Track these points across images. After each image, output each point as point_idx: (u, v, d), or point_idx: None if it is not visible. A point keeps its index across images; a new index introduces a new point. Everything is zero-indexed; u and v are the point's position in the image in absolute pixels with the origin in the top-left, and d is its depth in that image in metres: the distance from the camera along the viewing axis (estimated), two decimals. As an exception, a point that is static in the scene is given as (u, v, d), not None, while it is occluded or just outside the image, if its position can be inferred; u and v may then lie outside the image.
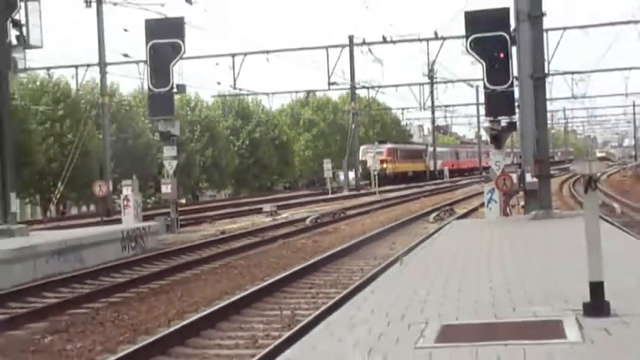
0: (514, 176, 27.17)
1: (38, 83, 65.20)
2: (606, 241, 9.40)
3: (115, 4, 48.98)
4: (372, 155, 74.74)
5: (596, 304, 8.95)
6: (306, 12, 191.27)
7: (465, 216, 36.74)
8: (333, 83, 67.67)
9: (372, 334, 9.05)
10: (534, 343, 7.94)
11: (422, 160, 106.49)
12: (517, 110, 27.25)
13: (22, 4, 30.46)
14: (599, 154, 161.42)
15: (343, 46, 67.61)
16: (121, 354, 12.71)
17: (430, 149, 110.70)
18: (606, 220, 21.80)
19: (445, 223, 31.17)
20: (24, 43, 31.09)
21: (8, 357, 13.72)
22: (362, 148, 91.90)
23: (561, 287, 10.99)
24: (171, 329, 14.49)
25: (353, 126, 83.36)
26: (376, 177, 69.87)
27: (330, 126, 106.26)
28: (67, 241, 26.47)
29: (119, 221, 36.90)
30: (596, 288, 8.94)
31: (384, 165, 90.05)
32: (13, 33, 29.80)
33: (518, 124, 27.77)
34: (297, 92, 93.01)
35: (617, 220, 29.68)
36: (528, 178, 25.99)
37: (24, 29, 30.48)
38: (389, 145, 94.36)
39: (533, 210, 25.82)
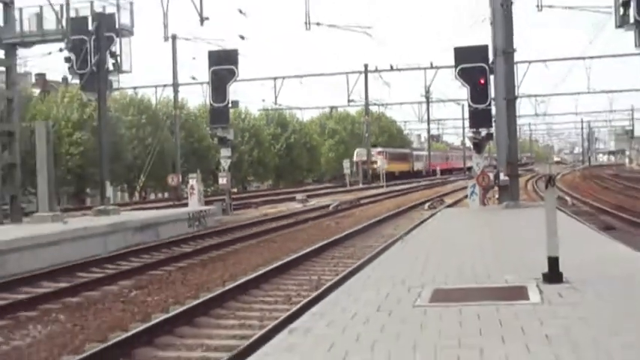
0: (491, 175, 27.20)
1: (127, 99, 65.40)
2: (561, 226, 9.40)
3: (186, 39, 49.00)
4: (381, 157, 74.96)
5: (553, 274, 9.08)
6: (331, 45, 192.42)
7: (452, 205, 36.57)
8: (352, 101, 67.93)
9: (380, 295, 9.06)
10: (505, 304, 8.05)
11: (407, 161, 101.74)
12: (493, 124, 27.22)
13: (118, 39, 30.56)
14: (555, 159, 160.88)
15: (360, 73, 67.55)
16: (187, 306, 12.76)
17: (414, 153, 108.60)
18: (561, 210, 21.67)
19: (437, 211, 31.08)
20: (118, 69, 31.17)
21: (104, 306, 13.79)
22: (356, 151, 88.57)
23: (526, 261, 10.97)
24: (226, 288, 14.51)
25: (366, 134, 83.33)
26: (384, 174, 69.89)
27: (348, 134, 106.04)
28: (148, 220, 26.59)
29: (186, 205, 36.93)
30: (553, 262, 9.09)
31: (375, 165, 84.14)
32: (110, 61, 29.93)
33: (494, 134, 27.72)
34: (323, 107, 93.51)
35: (569, 209, 29.61)
36: (502, 176, 26.02)
37: (118, 59, 30.58)
38: (379, 149, 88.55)
39: (505, 201, 25.82)
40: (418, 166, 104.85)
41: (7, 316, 13.11)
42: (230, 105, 37.07)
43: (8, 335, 11.66)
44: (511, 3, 25.73)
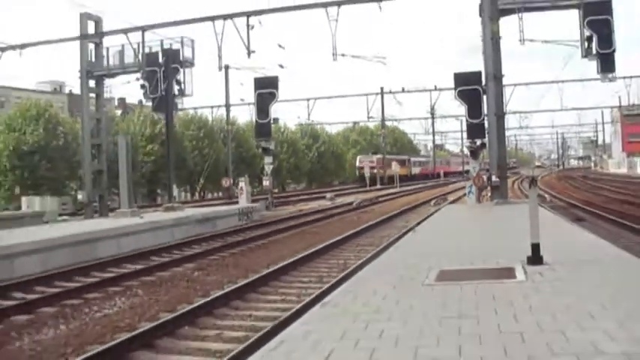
0: (484, 177, 27.17)
1: (189, 117, 65.69)
2: (541, 218, 9.40)
3: (236, 68, 49.17)
4: (396, 163, 74.49)
5: (535, 257, 9.14)
6: (353, 72, 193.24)
7: (454, 202, 36.41)
8: (371, 117, 67.69)
9: (395, 275, 9.08)
10: (497, 282, 8.09)
11: (406, 166, 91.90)
12: (487, 135, 27.13)
13: (182, 70, 30.76)
14: (537, 164, 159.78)
15: (377, 94, 67.25)
16: (238, 284, 12.84)
17: (412, 159, 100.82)
18: (541, 205, 21.49)
19: (441, 207, 31.01)
20: (182, 93, 31.35)
21: (173, 284, 13.90)
22: (358, 157, 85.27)
23: (513, 246, 10.93)
24: (269, 270, 14.56)
25: (383, 144, 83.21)
26: (397, 177, 69.76)
27: (368, 144, 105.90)
28: (207, 214, 26.70)
29: (237, 202, 37.01)
30: (535, 247, 9.15)
31: (375, 170, 79.31)
32: (175, 87, 30.14)
33: (487, 143, 27.62)
34: (347, 122, 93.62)
35: (547, 204, 29.45)
36: (493, 178, 25.97)
37: (182, 85, 30.77)
38: (378, 156, 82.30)
39: (497, 198, 25.71)
40: (415, 170, 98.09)
41: (98, 291, 13.29)
42: (272, 121, 37.11)
43: (100, 305, 11.82)
44: (499, 37, 25.76)
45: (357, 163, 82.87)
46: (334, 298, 7.90)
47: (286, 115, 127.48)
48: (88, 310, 11.43)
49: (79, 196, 31.73)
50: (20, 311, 11.51)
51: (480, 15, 26.39)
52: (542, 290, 7.40)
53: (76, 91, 43.73)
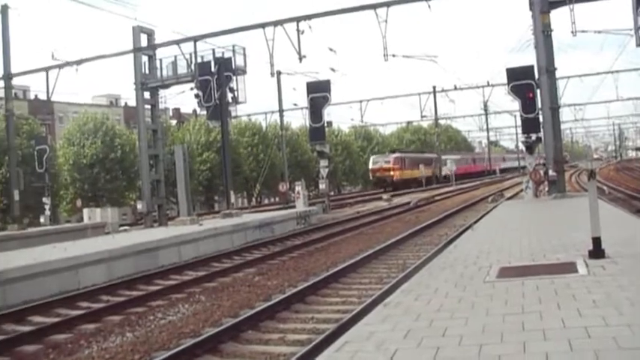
0: (541, 171, 26.93)
1: (243, 124, 66.32)
2: (601, 211, 9.28)
3: (288, 74, 49.47)
4: (451, 160, 73.70)
5: (596, 251, 9.03)
6: (405, 72, 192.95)
7: (511, 198, 36.00)
8: (424, 116, 67.43)
9: (456, 273, 9.07)
10: (558, 277, 8.00)
11: (431, 166, 77.81)
12: (541, 129, 26.83)
13: (235, 77, 31.07)
14: (595, 157, 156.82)
15: (429, 93, 67.12)
16: (299, 287, 12.94)
17: (443, 157, 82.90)
18: (600, 198, 21.10)
19: (499, 203, 30.74)
20: (235, 101, 31.66)
21: (234, 289, 14.05)
22: (372, 157, 72.34)
23: (574, 241, 10.80)
24: (329, 272, 14.62)
25: (437, 143, 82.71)
26: (454, 175, 69.15)
27: (422, 143, 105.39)
28: (264, 220, 26.91)
29: (294, 207, 37.20)
30: (596, 241, 9.04)
31: (391, 172, 66.58)
32: (229, 95, 30.45)
33: (542, 138, 27.30)
34: (400, 123, 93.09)
35: (606, 197, 28.92)
36: (550, 172, 25.73)
37: (235, 93, 31.09)
38: (396, 155, 70.68)
39: (554, 193, 25.47)
40: (445, 171, 79.43)
41: (161, 298, 13.54)
42: (325, 125, 37.30)
43: (164, 312, 12.05)
44: (551, 30, 25.47)
45: (371, 165, 69.97)
46: (395, 298, 7.91)
47: (339, 117, 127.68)
48: (153, 318, 11.66)
49: (139, 206, 32.34)
50: (87, 320, 11.81)
51: (531, 8, 26.13)
52: (605, 284, 7.29)
53: (132, 103, 44.65)
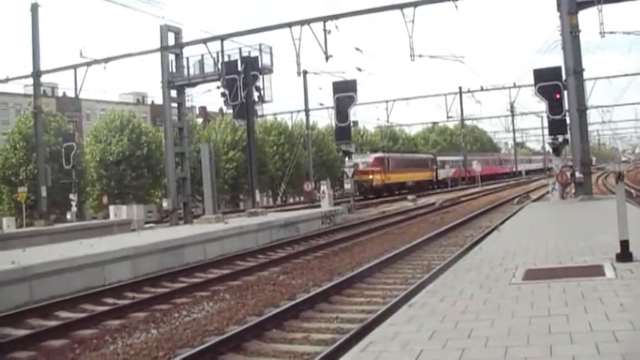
0: (568, 173, 26.77)
1: (269, 123, 66.52)
2: (628, 214, 9.19)
3: (314, 73, 49.51)
4: (476, 162, 73.12)
5: (624, 254, 8.95)
6: (431, 72, 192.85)
7: (537, 200, 35.76)
8: (450, 117, 66.92)
9: (482, 275, 9.03)
10: (585, 280, 7.93)
11: (428, 169, 70.91)
12: (568, 131, 26.68)
13: (261, 77, 31.15)
14: (623, 159, 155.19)
15: (455, 93, 66.62)
16: (324, 287, 12.95)
17: (439, 158, 76.24)
18: (628, 201, 20.93)
19: (524, 205, 30.56)
20: (262, 100, 31.74)
21: (259, 288, 14.10)
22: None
23: (601, 244, 10.71)
24: (354, 272, 14.61)
25: (463, 144, 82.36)
26: (479, 177, 68.72)
27: (448, 144, 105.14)
28: (290, 219, 26.96)
29: (319, 206, 37.23)
30: (624, 244, 8.96)
31: (370, 176, 57.25)
32: (255, 94, 30.53)
33: (569, 139, 27.13)
34: (426, 123, 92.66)
35: (634, 200, 28.64)
36: (577, 174, 25.58)
37: (262, 92, 31.16)
38: (377, 155, 61.77)
39: (581, 195, 25.31)
40: (444, 173, 74.15)
41: (186, 296, 13.63)
42: (351, 124, 37.31)
43: (189, 310, 12.12)
44: (578, 31, 25.31)
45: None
46: (421, 298, 7.90)
47: (365, 117, 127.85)
48: (177, 315, 11.74)
49: (164, 204, 32.61)
50: (112, 316, 11.92)
51: (558, 9, 25.98)
52: (633, 287, 7.22)
53: (158, 101, 44.92)
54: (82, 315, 12.22)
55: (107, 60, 32.64)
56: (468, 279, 8.83)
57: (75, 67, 33.13)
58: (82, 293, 14.12)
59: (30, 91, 39.78)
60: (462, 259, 11.60)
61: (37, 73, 34.79)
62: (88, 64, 32.74)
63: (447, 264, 13.85)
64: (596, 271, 8.45)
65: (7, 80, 36.43)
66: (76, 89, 33.24)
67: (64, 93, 67.67)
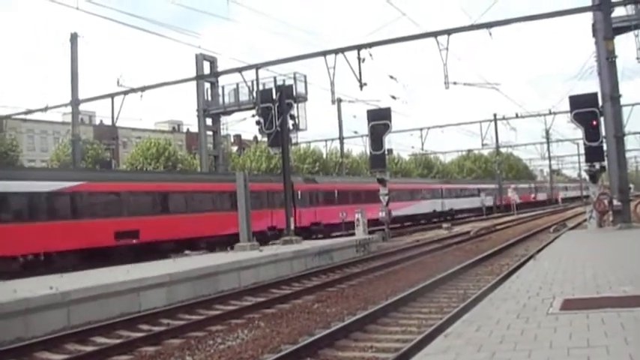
0: (605, 201, 26.48)
1: (303, 151, 66.83)
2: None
3: (349, 101, 49.86)
4: (512, 189, 72.32)
5: (666, 286, 8.74)
6: (466, 99, 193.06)
7: (574, 228, 35.35)
8: (485, 144, 66.76)
9: (519, 304, 8.95)
10: (625, 310, 7.81)
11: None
12: (605, 158, 26.48)
13: (296, 105, 31.38)
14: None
15: (490, 121, 66.50)
16: (359, 315, 12.90)
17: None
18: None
19: (561, 233, 30.24)
20: (296, 128, 31.98)
21: (293, 316, 14.08)
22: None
23: (641, 274, 10.60)
24: (389, 301, 14.52)
25: (498, 171, 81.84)
26: (515, 205, 68.02)
27: (483, 172, 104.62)
28: (324, 247, 26.89)
29: (354, 234, 37.12)
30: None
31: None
32: (290, 122, 30.70)
33: (606, 167, 26.90)
34: (461, 151, 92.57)
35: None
36: (615, 202, 25.32)
37: (296, 120, 31.37)
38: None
39: (619, 223, 25.04)
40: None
41: (221, 323, 13.67)
42: (386, 152, 37.39)
43: (224, 337, 12.15)
44: (615, 57, 25.18)
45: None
46: (456, 328, 7.85)
47: (400, 145, 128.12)
48: (212, 342, 11.77)
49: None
50: (148, 343, 11.99)
51: (594, 35, 25.92)
52: (675, 319, 7.10)
53: (194, 129, 45.51)
54: (118, 341, 12.31)
55: (143, 89, 33.16)
56: (505, 308, 8.75)
57: (112, 95, 33.71)
58: (117, 319, 14.23)
59: (68, 119, 40.60)
60: (498, 288, 11.50)
61: (75, 102, 35.48)
62: (125, 92, 33.29)
63: (482, 293, 13.73)
64: (636, 301, 8.32)
65: (46, 109, 37.14)
66: (113, 117, 33.77)
67: (102, 121, 68.90)
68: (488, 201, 72.65)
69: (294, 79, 34.29)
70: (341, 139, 57.46)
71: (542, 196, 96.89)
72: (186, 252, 28.28)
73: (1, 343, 12.06)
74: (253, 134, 59.53)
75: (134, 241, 27.58)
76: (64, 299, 14.03)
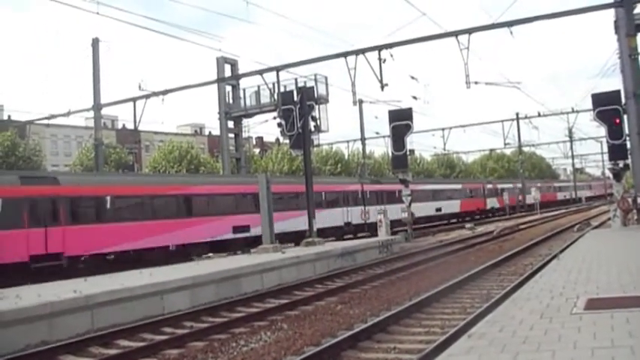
0: (630, 199, 26.29)
1: (325, 153, 66.86)
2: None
3: (370, 102, 49.84)
4: (535, 189, 71.74)
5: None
6: (487, 99, 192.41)
7: (598, 227, 35.06)
8: (507, 144, 66.50)
9: (542, 304, 8.90)
10: (650, 310, 7.72)
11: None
12: (629, 156, 26.26)
13: (317, 106, 31.41)
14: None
15: (512, 120, 66.23)
16: (382, 317, 12.87)
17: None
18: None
19: (585, 232, 30.00)
20: (318, 129, 32.01)
21: (317, 317, 14.09)
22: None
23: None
24: (412, 302, 14.47)
25: (521, 171, 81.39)
26: (538, 204, 67.42)
27: (505, 171, 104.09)
28: (346, 248, 26.87)
29: (377, 235, 37.09)
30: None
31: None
32: (311, 124, 30.72)
33: (630, 165, 26.68)
34: (483, 150, 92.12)
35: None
36: (639, 200, 25.14)
37: (318, 121, 31.42)
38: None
39: (644, 221, 24.93)
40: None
41: (244, 325, 13.71)
42: (408, 153, 37.33)
43: (247, 339, 12.19)
44: (637, 53, 25.01)
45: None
46: (480, 328, 7.81)
47: (421, 145, 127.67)
48: (235, 345, 11.81)
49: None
50: (171, 345, 12.06)
51: (616, 32, 25.72)
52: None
53: (216, 132, 45.65)
54: (142, 344, 12.39)
55: (165, 92, 33.33)
56: (528, 308, 8.70)
57: (134, 99, 33.91)
58: (141, 322, 14.32)
59: (91, 123, 40.94)
60: (521, 289, 11.43)
61: (97, 106, 35.75)
62: (147, 96, 33.48)
63: (506, 293, 13.67)
64: (662, 300, 8.26)
65: (69, 113, 37.45)
66: (135, 121, 33.97)
67: (124, 125, 69.39)
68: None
69: (315, 80, 34.34)
70: (363, 140, 57.42)
71: (561, 196, 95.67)
72: (209, 254, 28.42)
73: (27, 346, 12.20)
74: (275, 136, 59.55)
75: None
76: (89, 302, 14.15)
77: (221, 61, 37.43)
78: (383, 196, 45.96)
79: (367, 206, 43.25)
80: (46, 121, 41.04)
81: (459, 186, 63.40)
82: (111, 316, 14.44)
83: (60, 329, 13.24)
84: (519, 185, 76.90)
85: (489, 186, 69.03)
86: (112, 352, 11.94)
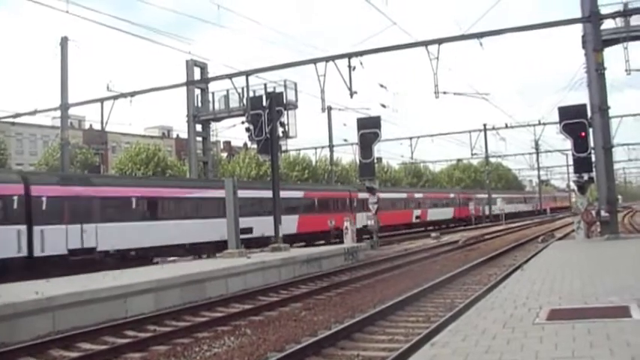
0: (593, 212, 26.65)
1: (293, 159, 66.79)
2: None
3: (339, 109, 49.95)
4: (500, 199, 72.40)
5: (652, 297, 8.79)
6: (455, 109, 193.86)
7: (562, 238, 35.45)
8: (474, 154, 66.93)
9: (505, 314, 8.96)
10: (611, 321, 7.85)
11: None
12: (594, 169, 26.62)
13: (286, 112, 31.40)
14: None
15: (480, 130, 66.72)
16: (346, 324, 12.86)
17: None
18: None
19: (549, 243, 30.33)
20: (286, 135, 32.03)
21: (281, 323, 14.04)
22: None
23: (627, 284, 10.63)
24: (376, 309, 14.48)
25: (487, 181, 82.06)
26: (504, 215, 68.03)
27: (472, 181, 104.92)
28: (312, 254, 26.86)
29: (342, 242, 37.12)
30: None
31: None
32: (280, 129, 30.68)
33: (594, 178, 27.06)
34: (450, 160, 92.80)
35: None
36: (602, 212, 25.46)
37: (286, 127, 31.42)
38: None
39: (607, 234, 25.17)
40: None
41: (208, 330, 13.62)
42: (375, 161, 37.47)
43: (210, 344, 12.10)
44: (604, 69, 25.37)
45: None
46: (443, 337, 7.84)
47: (389, 154, 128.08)
48: (198, 349, 11.72)
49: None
50: (133, 349, 11.94)
51: (583, 46, 26.09)
52: (661, 331, 7.12)
53: (184, 135, 45.44)
54: (103, 347, 12.26)
55: (133, 94, 33.08)
56: (492, 318, 8.76)
57: (102, 100, 33.59)
58: (103, 325, 14.17)
59: (57, 123, 40.42)
60: (485, 298, 11.51)
61: (64, 106, 35.35)
62: (115, 97, 33.19)
63: (470, 302, 13.76)
64: (623, 312, 8.36)
65: (35, 112, 37.02)
66: (102, 122, 33.63)
67: (91, 126, 68.66)
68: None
69: (285, 86, 34.33)
70: (331, 147, 57.50)
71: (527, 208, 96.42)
72: (173, 258, 28.22)
73: (-14, 348, 11.99)
74: (243, 141, 59.37)
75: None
76: (50, 304, 13.96)
77: (190, 64, 37.25)
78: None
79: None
80: (11, 120, 40.45)
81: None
82: (73, 319, 14.25)
83: (21, 331, 13.04)
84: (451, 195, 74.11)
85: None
86: (73, 354, 11.79)
